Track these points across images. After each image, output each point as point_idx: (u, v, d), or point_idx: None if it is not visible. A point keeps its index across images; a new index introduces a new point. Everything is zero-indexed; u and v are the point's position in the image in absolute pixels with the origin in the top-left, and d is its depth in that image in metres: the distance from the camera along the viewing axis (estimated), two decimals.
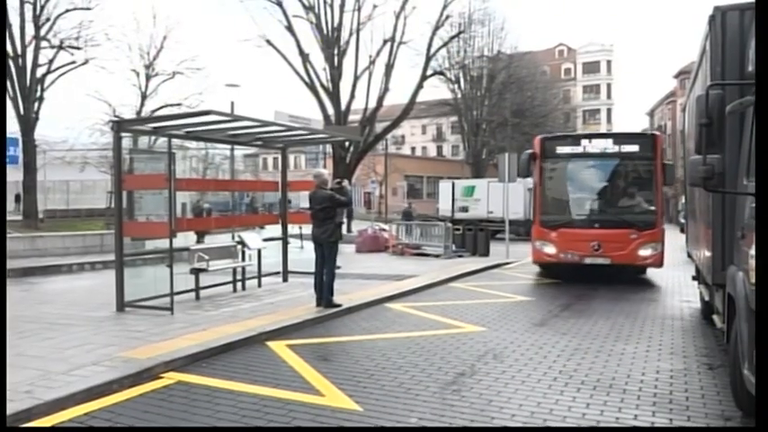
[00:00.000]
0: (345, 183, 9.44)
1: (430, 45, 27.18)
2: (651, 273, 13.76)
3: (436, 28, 27.15)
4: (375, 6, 26.12)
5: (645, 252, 11.97)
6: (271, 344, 7.01)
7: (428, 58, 27.22)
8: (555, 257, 12.52)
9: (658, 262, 12.23)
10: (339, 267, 14.13)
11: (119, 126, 8.54)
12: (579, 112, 73.02)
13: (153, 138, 18.40)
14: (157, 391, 5.29)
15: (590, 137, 13.07)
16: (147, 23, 56.69)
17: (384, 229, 21.38)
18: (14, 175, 25.20)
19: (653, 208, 12.28)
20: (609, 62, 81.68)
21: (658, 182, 12.09)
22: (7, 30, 24.43)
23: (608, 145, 12.44)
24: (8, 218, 26.51)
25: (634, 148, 12.30)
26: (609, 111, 78.77)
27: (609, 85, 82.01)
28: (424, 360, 6.35)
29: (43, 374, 5.37)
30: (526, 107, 44.72)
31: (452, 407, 4.89)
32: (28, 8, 24.98)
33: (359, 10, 25.57)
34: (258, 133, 10.10)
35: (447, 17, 27.84)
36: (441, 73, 33.36)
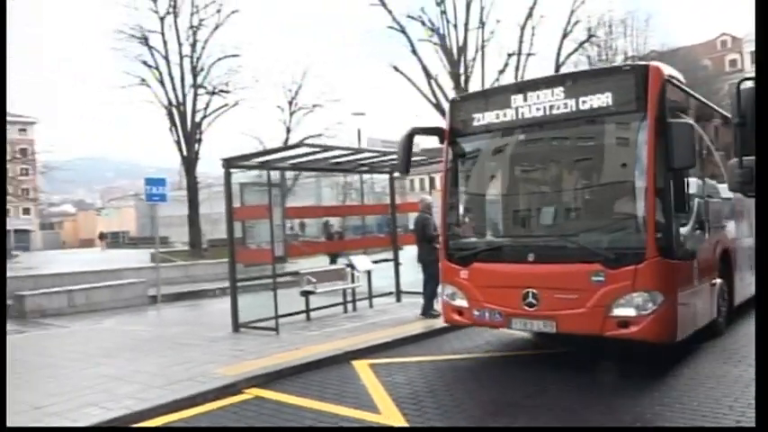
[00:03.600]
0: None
1: (559, 53, 26.43)
2: None
3: (564, 36, 26.35)
4: (498, 21, 25.95)
5: (623, 310, 5.79)
6: (355, 362, 7.29)
7: (558, 67, 26.43)
8: (466, 317, 6.98)
9: (656, 331, 5.75)
10: None
11: (228, 163, 9.44)
12: None
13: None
14: (234, 405, 5.81)
15: (525, 88, 6.81)
16: (289, 63, 61.12)
17: None
18: (181, 209, 28.54)
19: (640, 215, 5.91)
20: None
21: (652, 163, 5.74)
22: (170, 82, 28.04)
23: (557, 100, 6.34)
24: (179, 248, 30.06)
25: (604, 98, 6.06)
26: None
27: None
28: (492, 380, 6.27)
29: (144, 388, 6.14)
30: None
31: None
32: (186, 60, 28.37)
33: (483, 26, 25.57)
34: (358, 160, 10.57)
35: (576, 22, 26.88)
36: None
